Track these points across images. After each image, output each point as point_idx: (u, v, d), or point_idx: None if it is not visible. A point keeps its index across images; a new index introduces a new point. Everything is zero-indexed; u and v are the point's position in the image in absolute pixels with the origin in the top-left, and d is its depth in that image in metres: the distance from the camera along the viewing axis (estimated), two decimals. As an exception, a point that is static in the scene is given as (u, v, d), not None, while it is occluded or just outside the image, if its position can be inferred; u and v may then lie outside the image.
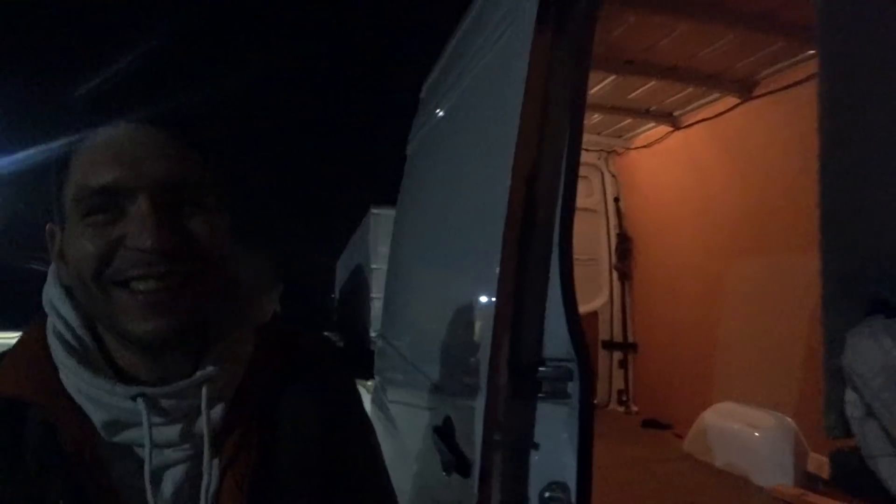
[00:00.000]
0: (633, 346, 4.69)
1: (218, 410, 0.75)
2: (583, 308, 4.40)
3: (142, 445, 0.71)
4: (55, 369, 0.73)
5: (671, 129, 4.09)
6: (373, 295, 7.56)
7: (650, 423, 4.20)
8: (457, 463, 1.34)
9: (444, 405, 1.54)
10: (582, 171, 4.45)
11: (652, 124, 4.20)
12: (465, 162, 1.71)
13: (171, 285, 0.69)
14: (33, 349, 0.76)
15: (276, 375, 0.82)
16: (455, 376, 1.53)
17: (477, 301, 1.43)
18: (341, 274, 13.52)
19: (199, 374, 0.74)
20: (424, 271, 2.08)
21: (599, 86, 3.50)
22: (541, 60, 1.23)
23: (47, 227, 0.75)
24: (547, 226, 1.29)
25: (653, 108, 3.94)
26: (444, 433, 1.47)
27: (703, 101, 3.71)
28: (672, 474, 3.22)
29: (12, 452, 0.69)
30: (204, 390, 0.73)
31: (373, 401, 3.14)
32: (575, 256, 3.78)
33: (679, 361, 4.12)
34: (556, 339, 1.27)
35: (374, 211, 7.75)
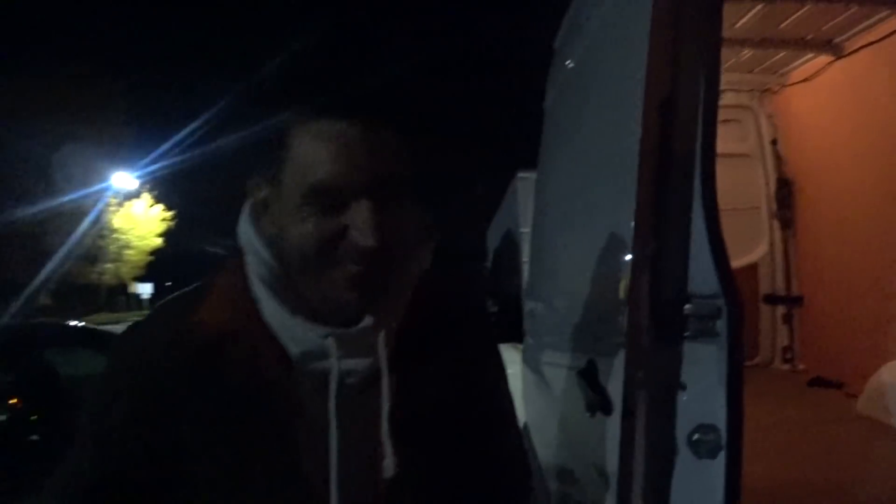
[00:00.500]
0: (797, 300, 4.34)
1: (385, 349, 0.85)
2: (740, 260, 4.19)
3: (327, 374, 0.83)
4: (254, 302, 0.85)
5: (832, 58, 3.69)
6: (524, 259, 7.56)
7: (818, 382, 3.89)
8: (600, 403, 1.34)
9: (588, 349, 1.53)
10: (733, 114, 4.20)
11: (810, 55, 3.81)
12: (597, 104, 1.67)
13: (374, 268, 0.78)
14: (236, 284, 0.87)
15: (428, 321, 0.92)
16: (598, 319, 1.51)
17: (616, 242, 1.40)
18: (493, 241, 13.69)
19: (372, 320, 0.84)
20: (564, 222, 2.06)
21: (746, 17, 3.22)
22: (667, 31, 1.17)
23: (251, 179, 0.84)
24: (686, 158, 1.23)
25: (809, 36, 3.57)
26: (587, 375, 1.47)
27: (868, 23, 3.30)
28: (843, 437, 2.98)
29: (218, 374, 0.82)
30: (382, 335, 0.85)
31: (524, 360, 3.18)
32: (730, 206, 3.62)
33: (851, 314, 3.76)
34: (701, 276, 1.22)
35: (521, 175, 7.73)
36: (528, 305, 3.12)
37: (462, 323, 1.00)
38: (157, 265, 37.75)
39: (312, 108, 0.76)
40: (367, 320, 0.84)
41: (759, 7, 3.09)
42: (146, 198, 35.47)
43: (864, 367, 3.36)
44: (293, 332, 0.83)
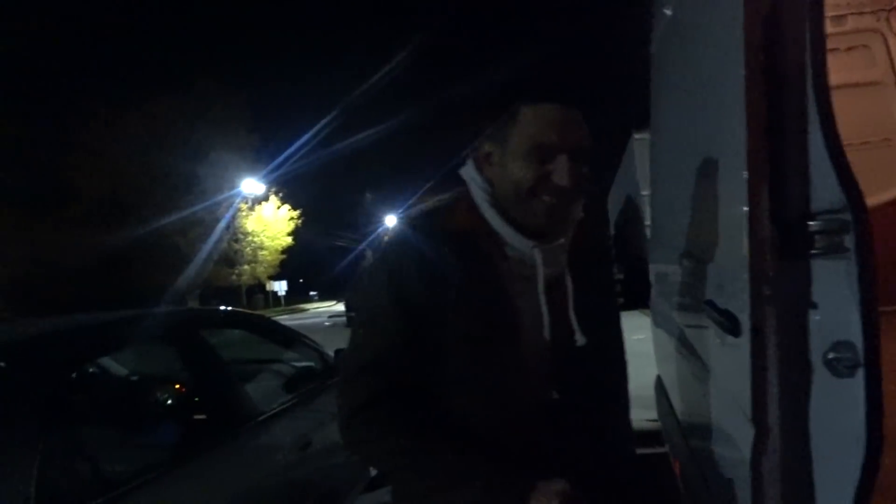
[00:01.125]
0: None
1: (564, 260, 1.27)
2: (878, 198, 3.88)
3: (530, 273, 1.23)
4: (480, 214, 1.24)
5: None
6: (647, 223, 7.38)
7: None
8: (728, 324, 1.36)
9: (714, 275, 1.55)
10: (858, 39, 3.89)
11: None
12: (701, 39, 1.65)
13: (563, 202, 1.18)
14: (468, 203, 1.26)
15: (582, 249, 1.31)
16: (720, 242, 1.52)
17: (732, 163, 1.40)
18: (613, 207, 13.43)
19: (562, 239, 1.25)
20: (681, 173, 2.04)
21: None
22: None
23: (481, 139, 1.25)
24: (797, 68, 1.22)
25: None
26: (714, 302, 1.49)
27: None
28: None
29: (468, 262, 1.20)
30: (565, 250, 1.27)
31: (653, 323, 3.16)
32: (862, 140, 3.40)
33: None
34: (824, 191, 1.20)
35: (636, 136, 7.52)
36: (654, 269, 3.08)
37: (602, 246, 1.41)
38: (289, 262, 39.81)
39: (538, 97, 1.17)
40: (560, 239, 1.24)
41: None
42: (273, 200, 37.51)
43: None
44: (511, 239, 1.22)
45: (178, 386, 2.89)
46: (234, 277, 36.28)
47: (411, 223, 1.26)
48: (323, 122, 32.84)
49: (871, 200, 2.37)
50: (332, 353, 3.86)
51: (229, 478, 2.35)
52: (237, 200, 33.00)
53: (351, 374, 1.22)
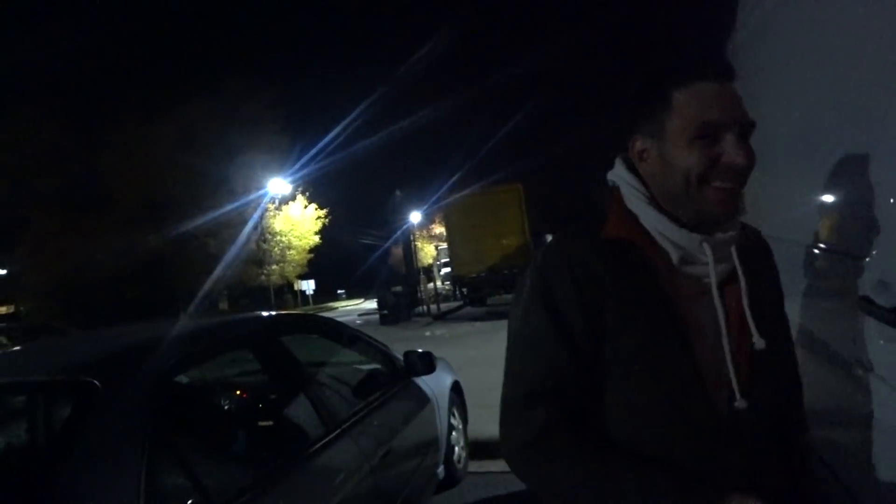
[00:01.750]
0: None
1: (735, 253, 1.15)
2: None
3: (695, 276, 1.13)
4: (635, 217, 1.15)
5: None
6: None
7: None
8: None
9: (876, 274, 1.44)
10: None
11: None
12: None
13: (737, 187, 1.07)
14: (619, 208, 1.18)
15: (748, 246, 1.20)
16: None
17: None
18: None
19: (735, 230, 1.14)
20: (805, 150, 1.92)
21: None
22: None
23: (632, 138, 1.16)
24: None
25: None
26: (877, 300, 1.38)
27: None
28: None
29: (626, 274, 1.12)
30: (734, 243, 1.15)
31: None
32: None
33: None
34: None
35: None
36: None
37: (768, 252, 1.30)
38: (316, 261, 40.10)
39: (688, 76, 1.07)
40: (732, 230, 1.13)
41: None
42: (301, 199, 37.79)
43: None
44: (675, 238, 1.11)
45: (264, 395, 2.85)
46: (262, 277, 36.65)
47: (563, 234, 1.20)
48: (348, 119, 32.89)
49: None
50: (399, 356, 3.81)
51: (318, 492, 2.29)
52: (265, 200, 33.29)
53: (515, 404, 1.12)
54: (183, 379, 2.65)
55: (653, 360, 1.08)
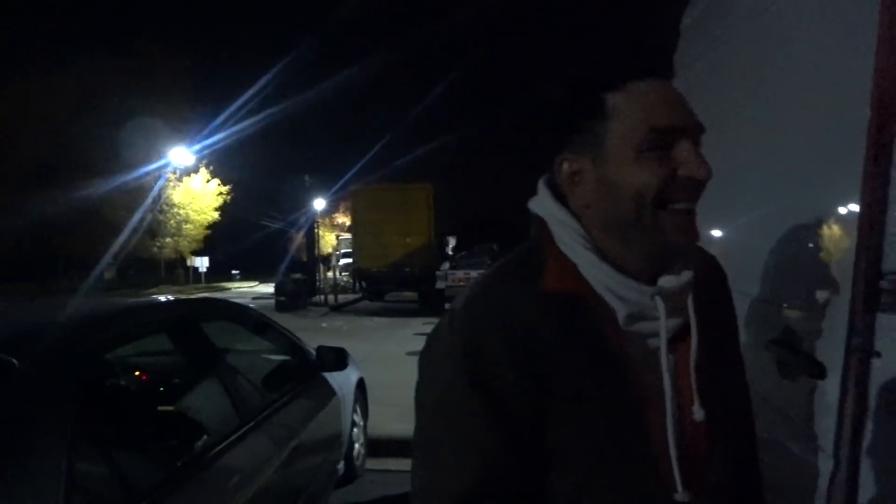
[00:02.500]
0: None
1: (692, 303, 0.95)
2: None
3: (644, 333, 0.91)
4: (575, 266, 0.92)
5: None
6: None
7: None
8: (807, 366, 1.43)
9: (783, 320, 1.62)
10: None
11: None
12: (790, 81, 1.70)
13: (695, 207, 0.88)
14: (556, 253, 0.94)
15: (701, 278, 0.97)
16: (801, 295, 1.59)
17: (824, 220, 1.47)
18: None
19: (686, 275, 0.92)
20: (740, 196, 2.05)
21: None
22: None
23: (559, 159, 0.93)
24: (890, 139, 1.29)
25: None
26: (783, 343, 1.56)
27: None
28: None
29: (563, 334, 0.89)
30: (691, 293, 0.94)
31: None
32: None
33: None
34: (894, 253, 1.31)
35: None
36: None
37: (722, 280, 1.11)
38: (213, 238, 38.72)
39: (628, 73, 0.88)
40: (685, 275, 0.92)
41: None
42: (203, 172, 36.33)
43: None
44: (621, 292, 0.90)
45: (178, 382, 2.79)
46: (154, 249, 34.98)
47: (491, 281, 0.96)
48: (253, 90, 31.89)
49: None
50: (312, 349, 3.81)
51: (237, 479, 2.29)
52: (166, 170, 31.78)
53: None
54: (104, 360, 2.55)
55: (604, 449, 0.88)
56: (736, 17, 2.08)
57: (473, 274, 17.74)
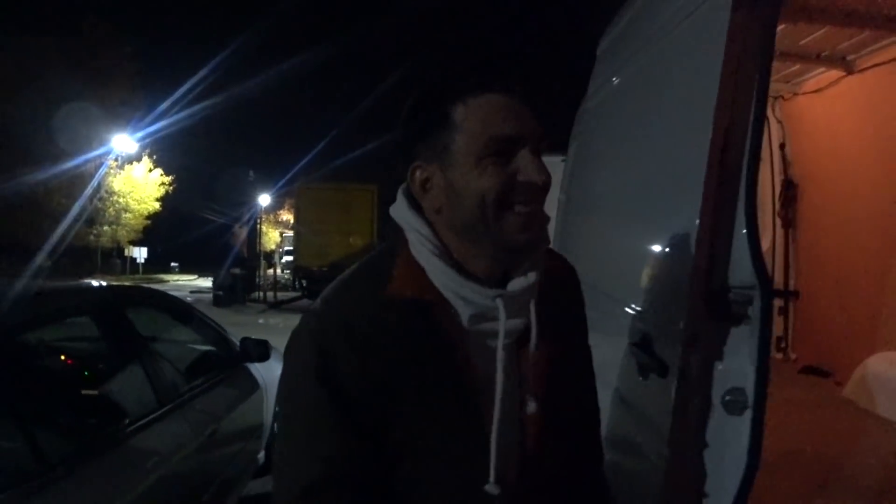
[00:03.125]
0: (794, 293, 4.66)
1: (534, 308, 1.02)
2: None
3: (489, 333, 0.98)
4: (423, 271, 0.99)
5: (844, 73, 3.97)
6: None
7: (809, 370, 4.22)
8: (657, 367, 1.65)
9: (643, 326, 1.84)
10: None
11: (823, 69, 4.10)
12: (660, 118, 1.95)
13: (538, 208, 0.96)
14: (406, 259, 1.01)
15: (553, 285, 1.08)
16: (656, 304, 1.81)
17: (677, 238, 1.69)
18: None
19: (527, 279, 1.00)
20: (618, 215, 2.30)
21: (770, 33, 3.48)
22: (737, 35, 1.46)
23: (412, 167, 1.00)
24: (736, 170, 1.52)
25: (825, 52, 3.85)
26: (642, 346, 1.78)
27: (880, 44, 3.59)
28: (828, 419, 3.30)
29: (411, 339, 0.96)
30: (534, 295, 1.01)
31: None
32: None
33: (843, 310, 4.08)
34: (741, 270, 1.52)
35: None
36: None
37: (575, 285, 1.20)
38: (153, 229, 37.79)
39: (470, 86, 0.95)
40: (530, 277, 0.99)
41: (782, 26, 3.36)
42: (146, 161, 35.45)
43: (853, 358, 3.69)
44: (465, 294, 0.96)
45: (97, 364, 2.86)
46: (91, 238, 33.92)
47: (339, 290, 1.02)
48: (198, 78, 31.32)
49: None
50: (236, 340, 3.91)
51: (150, 458, 2.39)
52: (108, 157, 30.86)
53: (293, 500, 0.90)
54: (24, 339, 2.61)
55: (440, 436, 0.95)
56: (631, 50, 2.33)
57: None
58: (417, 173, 0.99)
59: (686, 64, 1.78)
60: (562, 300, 1.14)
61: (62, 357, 2.97)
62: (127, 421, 2.43)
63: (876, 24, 3.27)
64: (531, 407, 1.02)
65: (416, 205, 1.03)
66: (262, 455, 4.05)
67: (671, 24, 1.91)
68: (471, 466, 0.95)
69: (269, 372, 4.24)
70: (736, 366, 1.51)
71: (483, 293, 0.97)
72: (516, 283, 1.00)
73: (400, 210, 1.04)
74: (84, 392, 2.61)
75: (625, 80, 2.41)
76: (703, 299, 1.55)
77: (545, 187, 0.94)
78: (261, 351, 3.81)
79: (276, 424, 4.39)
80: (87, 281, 2.87)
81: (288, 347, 1.00)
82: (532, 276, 1.00)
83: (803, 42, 3.67)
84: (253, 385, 3.89)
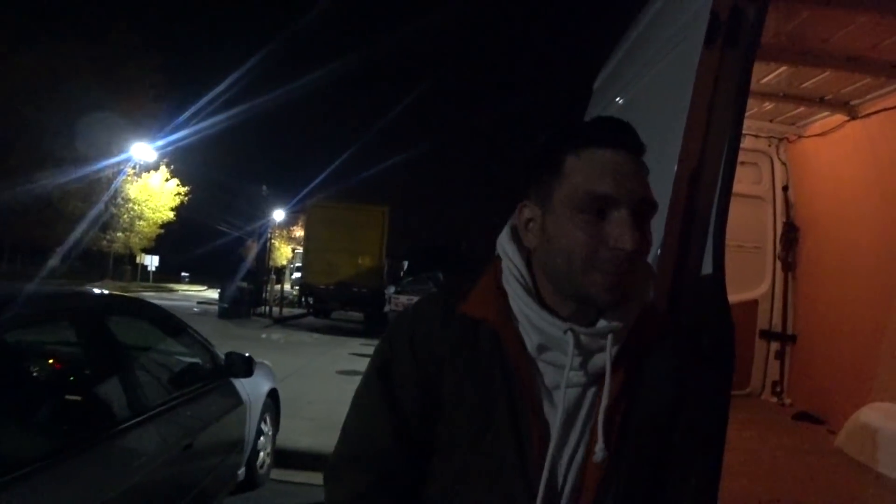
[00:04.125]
0: (791, 338, 4.61)
1: (613, 353, 0.99)
2: (743, 295, 4.48)
3: (558, 366, 0.99)
4: (506, 297, 1.04)
5: (847, 118, 3.96)
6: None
7: (802, 416, 4.15)
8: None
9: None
10: (751, 157, 4.49)
11: (826, 113, 4.09)
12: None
13: (623, 273, 0.94)
14: (491, 283, 1.07)
15: (647, 341, 1.05)
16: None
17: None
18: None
19: (609, 324, 0.99)
20: None
21: (773, 74, 3.49)
22: (707, 75, 1.45)
23: (521, 204, 1.05)
24: (705, 215, 1.50)
25: (828, 96, 3.85)
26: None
27: (883, 91, 3.57)
28: (820, 467, 3.23)
29: (472, 355, 1.03)
30: (609, 337, 0.98)
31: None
32: (738, 243, 3.93)
33: (839, 357, 4.01)
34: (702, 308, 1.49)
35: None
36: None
37: (683, 352, 1.10)
38: (166, 238, 38.10)
39: (586, 139, 0.97)
40: (602, 323, 0.99)
41: (784, 68, 3.36)
42: (163, 171, 35.83)
43: (847, 407, 3.61)
44: (537, 322, 0.99)
45: (76, 370, 2.85)
46: (104, 243, 34.20)
47: (420, 302, 1.14)
48: (219, 91, 31.76)
49: (734, 298, 2.75)
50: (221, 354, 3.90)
51: (114, 472, 2.36)
52: (127, 165, 31.27)
53: (340, 464, 1.09)
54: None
55: (477, 449, 1.01)
56: (620, 85, 2.33)
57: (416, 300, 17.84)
58: (525, 211, 1.04)
59: (665, 100, 1.77)
60: (661, 362, 1.07)
61: (37, 361, 2.97)
62: (97, 429, 2.41)
63: (879, 70, 3.26)
64: (599, 455, 0.97)
65: (517, 238, 1.08)
66: (242, 471, 4.02)
67: (655, 59, 1.91)
68: (501, 492, 0.99)
69: (254, 388, 4.22)
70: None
71: (555, 324, 0.98)
72: (597, 325, 1.00)
73: (502, 240, 1.10)
74: (53, 397, 2.59)
75: (612, 114, 2.42)
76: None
77: (636, 254, 0.93)
78: (244, 366, 3.80)
79: (261, 438, 4.36)
80: (72, 287, 2.87)
81: (374, 352, 1.14)
82: (615, 324, 0.99)
83: (805, 85, 3.66)
84: (236, 400, 3.87)
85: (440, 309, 1.08)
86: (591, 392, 1.01)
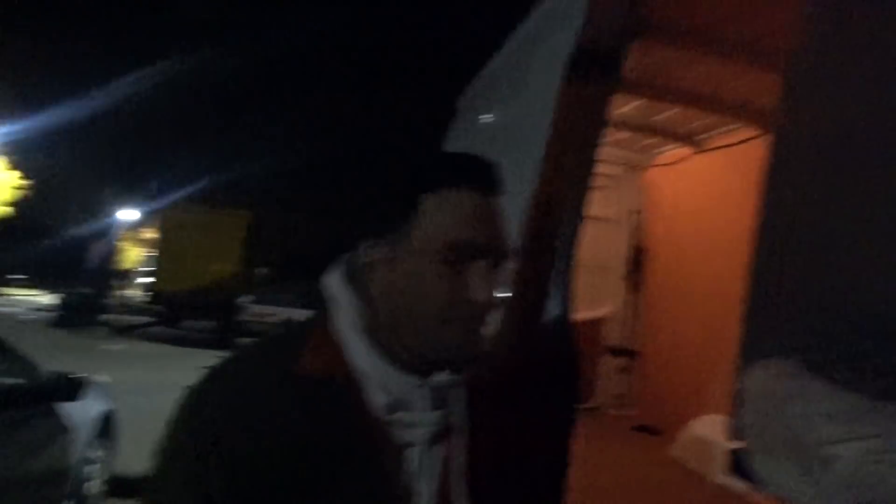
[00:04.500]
0: (632, 353, 4.92)
1: (464, 405, 0.91)
2: (592, 313, 4.63)
3: (408, 424, 0.87)
4: (339, 349, 0.89)
5: (693, 150, 4.26)
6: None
7: (642, 429, 4.41)
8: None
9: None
10: (606, 182, 4.68)
11: (676, 145, 4.38)
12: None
13: (479, 325, 0.87)
14: (322, 335, 0.90)
15: (500, 387, 0.98)
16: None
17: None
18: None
19: (459, 377, 0.89)
20: None
21: (629, 106, 3.69)
22: (570, 104, 1.45)
23: (365, 244, 0.91)
24: (555, 239, 1.51)
25: (678, 130, 4.13)
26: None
27: (725, 129, 3.88)
28: (653, 477, 3.44)
29: (308, 420, 0.85)
30: (461, 390, 0.90)
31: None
32: (589, 263, 4.02)
33: (680, 373, 4.32)
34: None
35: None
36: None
37: (542, 387, 1.06)
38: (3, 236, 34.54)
39: (446, 181, 0.87)
40: (453, 375, 0.89)
41: (638, 102, 3.56)
42: (1, 161, 32.41)
43: (685, 419, 3.87)
44: (385, 380, 0.87)
45: None
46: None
47: (244, 357, 0.96)
48: (67, 78, 29.42)
49: (582, 316, 2.83)
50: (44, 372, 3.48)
51: None
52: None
53: None
54: None
55: None
56: (482, 109, 2.33)
57: (277, 310, 17.26)
58: (369, 251, 0.90)
59: (529, 126, 1.77)
60: (526, 396, 1.01)
61: None
62: None
63: (723, 109, 3.53)
64: None
65: (356, 279, 0.93)
66: (69, 504, 3.61)
67: (520, 85, 1.91)
68: None
69: (83, 411, 3.80)
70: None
71: (403, 380, 0.87)
72: (448, 377, 0.89)
73: (334, 284, 0.94)
74: None
75: (477, 135, 2.41)
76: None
77: (494, 305, 0.87)
78: (69, 389, 3.36)
79: (89, 467, 3.95)
80: None
81: (173, 413, 0.88)
82: (467, 376, 0.90)
83: (657, 118, 3.91)
84: (59, 426, 3.45)
85: (271, 368, 0.89)
86: (445, 447, 0.90)
